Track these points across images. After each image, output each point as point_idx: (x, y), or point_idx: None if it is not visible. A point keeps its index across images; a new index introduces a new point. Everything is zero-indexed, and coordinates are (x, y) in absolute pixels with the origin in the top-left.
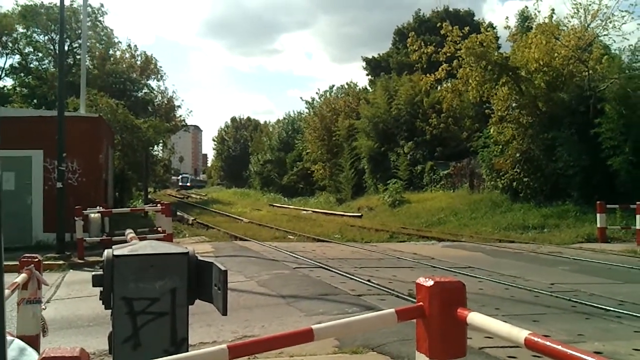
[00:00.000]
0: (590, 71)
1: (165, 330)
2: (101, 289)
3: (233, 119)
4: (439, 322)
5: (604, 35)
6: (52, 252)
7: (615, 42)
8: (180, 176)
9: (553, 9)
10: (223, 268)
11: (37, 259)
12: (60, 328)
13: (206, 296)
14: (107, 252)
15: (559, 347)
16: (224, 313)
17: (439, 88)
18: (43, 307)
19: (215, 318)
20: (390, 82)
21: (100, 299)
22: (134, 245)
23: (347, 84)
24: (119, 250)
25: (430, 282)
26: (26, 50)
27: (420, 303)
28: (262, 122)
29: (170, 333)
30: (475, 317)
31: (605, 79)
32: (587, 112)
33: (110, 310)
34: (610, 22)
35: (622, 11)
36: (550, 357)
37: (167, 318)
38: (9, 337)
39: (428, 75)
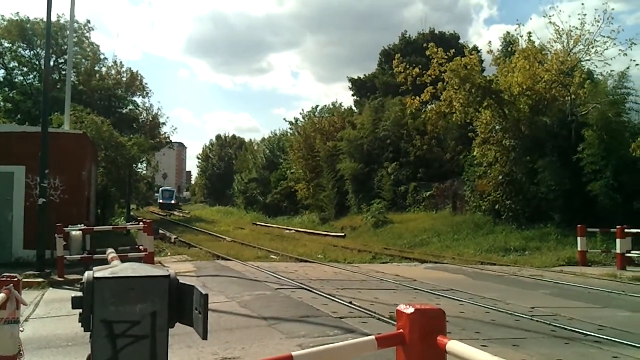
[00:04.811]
0: (573, 96)
1: (144, 354)
2: (80, 310)
3: (218, 137)
4: (419, 349)
5: (587, 60)
6: (31, 269)
7: (597, 67)
8: (160, 190)
9: (529, 33)
10: (204, 292)
11: (16, 279)
12: (38, 347)
13: (186, 319)
14: (87, 274)
15: None
16: (204, 337)
17: (423, 110)
18: (21, 328)
19: (196, 339)
20: (379, 104)
21: (79, 321)
22: (114, 267)
23: (332, 104)
24: (100, 272)
25: (410, 310)
26: (11, 65)
27: (401, 330)
28: (247, 140)
29: (149, 356)
30: (454, 346)
31: (587, 103)
32: (569, 136)
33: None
34: (593, 48)
35: (604, 37)
36: None
37: (146, 341)
38: None
39: (413, 97)
